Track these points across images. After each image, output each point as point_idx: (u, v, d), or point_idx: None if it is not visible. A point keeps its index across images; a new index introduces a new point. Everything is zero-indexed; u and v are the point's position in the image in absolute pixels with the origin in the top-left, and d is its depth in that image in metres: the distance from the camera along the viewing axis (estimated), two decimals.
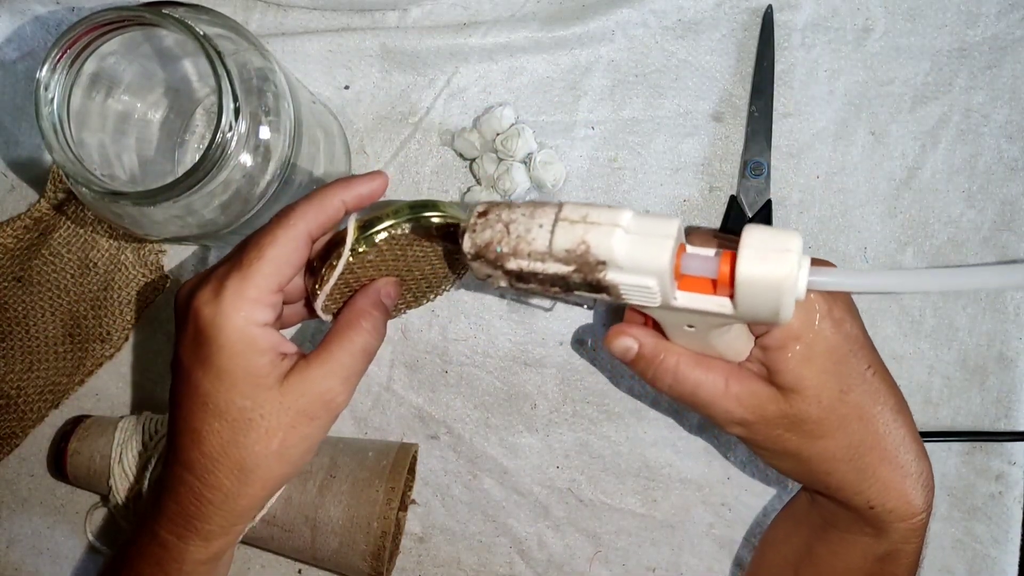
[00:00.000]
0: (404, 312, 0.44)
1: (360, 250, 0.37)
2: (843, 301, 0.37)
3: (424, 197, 0.39)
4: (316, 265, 0.38)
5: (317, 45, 0.53)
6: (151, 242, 0.54)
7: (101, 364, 0.54)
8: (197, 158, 0.38)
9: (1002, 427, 0.52)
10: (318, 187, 0.37)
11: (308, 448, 0.37)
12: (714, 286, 0.32)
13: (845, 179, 0.53)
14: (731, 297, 0.31)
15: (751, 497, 0.53)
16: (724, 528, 0.53)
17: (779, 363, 0.36)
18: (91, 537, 0.53)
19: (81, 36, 0.38)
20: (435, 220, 0.38)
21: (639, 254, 0.31)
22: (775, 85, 0.52)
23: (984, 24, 0.53)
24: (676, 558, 0.53)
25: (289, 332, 0.52)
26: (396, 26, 0.53)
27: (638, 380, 0.53)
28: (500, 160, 0.52)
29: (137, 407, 0.55)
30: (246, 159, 0.41)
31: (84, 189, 0.39)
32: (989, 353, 0.53)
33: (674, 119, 0.53)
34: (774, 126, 0.52)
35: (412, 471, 0.53)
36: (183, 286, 0.37)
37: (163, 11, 0.38)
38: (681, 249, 0.32)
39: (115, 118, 0.46)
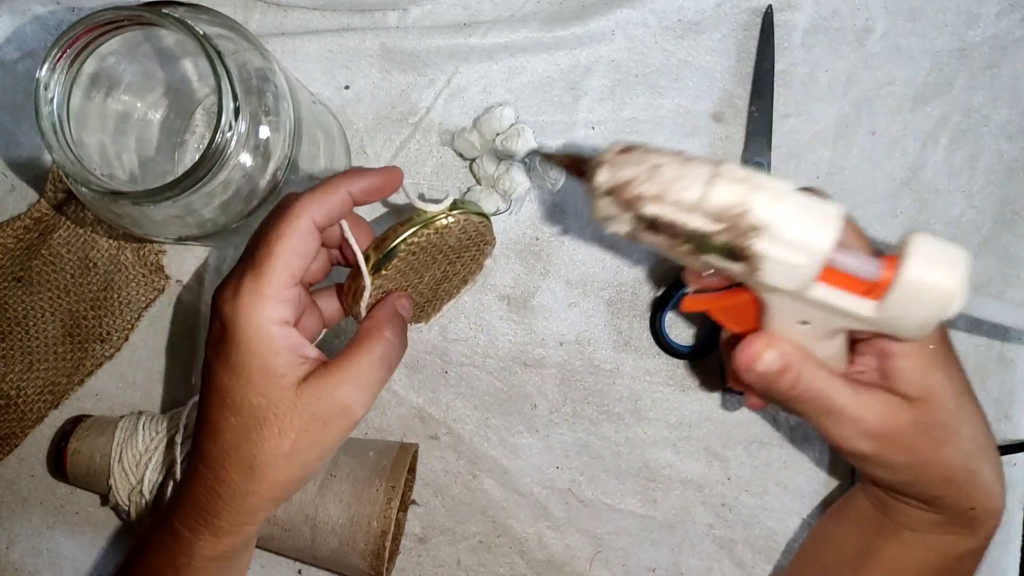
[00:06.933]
0: (437, 313, 0.47)
1: (384, 271, 0.39)
2: None
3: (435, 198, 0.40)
4: (347, 280, 0.40)
5: (317, 45, 0.53)
6: (151, 242, 0.53)
7: (101, 364, 0.54)
8: (197, 158, 0.38)
9: (1002, 428, 0.52)
10: (326, 177, 0.38)
11: (319, 454, 0.37)
12: (860, 286, 0.30)
13: (845, 179, 0.53)
14: (878, 300, 0.30)
15: (751, 497, 0.53)
16: (724, 528, 0.53)
17: (904, 371, 0.34)
18: None
19: (81, 36, 0.38)
20: (446, 221, 0.39)
21: (801, 229, 0.29)
22: (775, 85, 0.52)
23: (984, 24, 0.53)
24: (676, 558, 0.53)
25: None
26: (396, 26, 0.53)
27: (638, 379, 0.53)
28: (500, 160, 0.52)
29: (137, 407, 0.55)
30: (246, 159, 0.41)
31: (84, 189, 0.39)
32: (989, 354, 0.53)
33: (674, 119, 0.53)
34: (774, 126, 0.52)
35: (412, 471, 0.53)
36: (218, 286, 0.38)
37: (163, 11, 0.38)
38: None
39: (115, 118, 0.46)
